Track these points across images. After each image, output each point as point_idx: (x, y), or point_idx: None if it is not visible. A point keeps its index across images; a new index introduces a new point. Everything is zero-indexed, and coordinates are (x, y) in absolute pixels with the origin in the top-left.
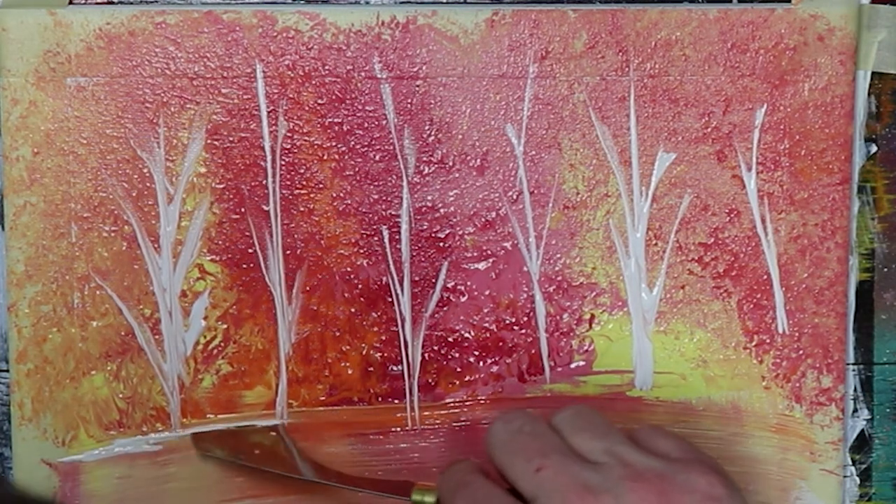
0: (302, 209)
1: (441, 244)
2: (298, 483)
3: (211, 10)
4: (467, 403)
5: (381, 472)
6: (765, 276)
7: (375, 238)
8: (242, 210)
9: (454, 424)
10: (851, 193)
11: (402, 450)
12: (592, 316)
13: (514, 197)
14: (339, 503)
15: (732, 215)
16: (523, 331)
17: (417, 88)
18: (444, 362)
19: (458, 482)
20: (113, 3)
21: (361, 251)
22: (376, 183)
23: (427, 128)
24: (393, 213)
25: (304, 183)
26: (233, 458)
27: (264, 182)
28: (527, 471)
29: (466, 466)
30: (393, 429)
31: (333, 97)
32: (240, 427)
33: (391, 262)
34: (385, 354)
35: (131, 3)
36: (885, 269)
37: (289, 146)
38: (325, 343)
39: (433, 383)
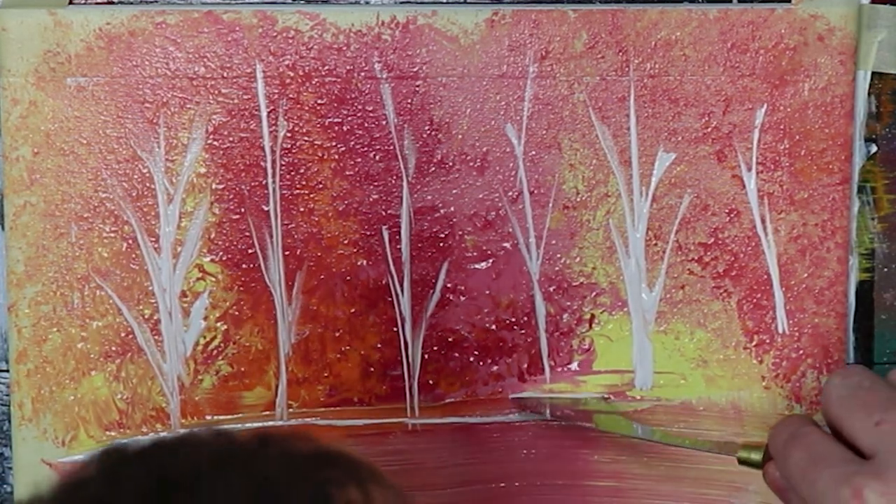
0: (302, 209)
1: (441, 244)
2: None
3: (211, 10)
4: (467, 403)
5: None
6: (765, 276)
7: (375, 238)
8: (242, 210)
9: (454, 424)
10: (851, 193)
11: (402, 450)
12: (592, 316)
13: (514, 197)
14: None
15: (732, 215)
16: (523, 331)
17: (417, 88)
18: (444, 362)
19: (792, 434)
20: (113, 3)
21: (361, 251)
22: (376, 183)
23: (427, 128)
24: (393, 213)
25: (304, 183)
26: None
27: (264, 182)
28: (867, 425)
29: (799, 419)
30: (393, 430)
31: (333, 97)
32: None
33: (391, 263)
34: (385, 355)
35: (131, 3)
36: (885, 269)
37: (289, 146)
38: (325, 344)
39: (433, 384)
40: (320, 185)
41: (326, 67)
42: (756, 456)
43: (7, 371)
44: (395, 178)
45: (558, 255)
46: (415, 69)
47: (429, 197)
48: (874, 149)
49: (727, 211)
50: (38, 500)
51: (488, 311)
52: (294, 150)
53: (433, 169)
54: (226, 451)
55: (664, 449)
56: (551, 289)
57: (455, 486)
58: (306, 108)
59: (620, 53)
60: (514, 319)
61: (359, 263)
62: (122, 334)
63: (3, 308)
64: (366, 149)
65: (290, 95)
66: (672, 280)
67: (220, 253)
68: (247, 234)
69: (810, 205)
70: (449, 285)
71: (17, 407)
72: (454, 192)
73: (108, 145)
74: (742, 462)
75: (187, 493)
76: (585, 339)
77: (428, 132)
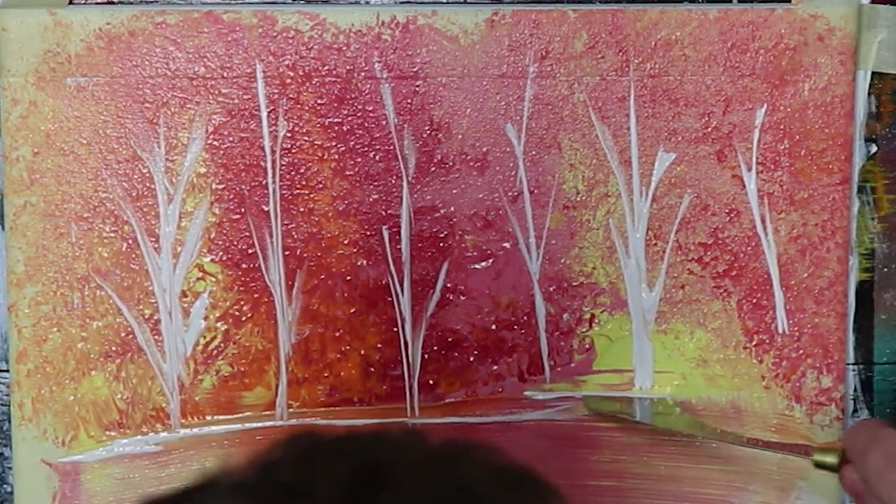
0: (302, 209)
1: (441, 244)
2: None
3: (211, 10)
4: (467, 403)
5: None
6: (765, 276)
7: (375, 238)
8: (242, 210)
9: (454, 424)
10: (851, 193)
11: None
12: (592, 316)
13: (514, 197)
14: None
15: (732, 215)
16: (523, 331)
17: (417, 88)
18: (444, 362)
19: (871, 437)
20: (113, 3)
21: (361, 251)
22: (376, 183)
23: (427, 128)
24: (393, 213)
25: (304, 183)
26: (620, 413)
27: (264, 182)
28: None
29: (876, 423)
30: None
31: (333, 97)
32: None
33: (391, 263)
34: (385, 355)
35: (131, 3)
36: (885, 269)
37: (289, 146)
38: (325, 343)
39: (433, 383)
40: (320, 185)
41: (326, 67)
42: (832, 459)
43: (7, 371)
44: (395, 178)
45: (558, 255)
46: (415, 69)
47: (429, 197)
48: (874, 149)
49: (727, 211)
50: (226, 475)
51: (488, 311)
52: (294, 150)
53: (433, 169)
54: (423, 451)
55: (664, 448)
56: (551, 289)
57: None
58: (306, 108)
59: (620, 53)
60: (514, 319)
61: (359, 263)
62: (122, 334)
63: (3, 308)
64: (366, 149)
65: (290, 95)
66: (672, 280)
67: (220, 253)
68: (247, 234)
69: (810, 205)
70: (449, 285)
71: (17, 407)
72: (454, 192)
73: (108, 145)
74: (818, 465)
75: (385, 487)
76: (585, 338)
77: (428, 132)
